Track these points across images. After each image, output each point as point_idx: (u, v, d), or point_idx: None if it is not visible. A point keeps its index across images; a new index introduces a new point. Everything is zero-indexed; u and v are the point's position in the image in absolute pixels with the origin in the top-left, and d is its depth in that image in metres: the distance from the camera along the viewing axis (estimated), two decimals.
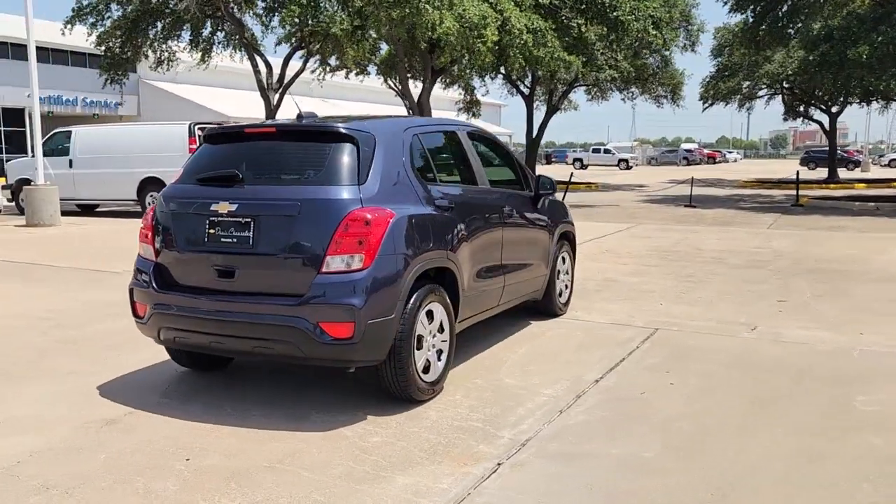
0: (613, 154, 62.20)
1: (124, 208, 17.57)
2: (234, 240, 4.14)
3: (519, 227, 5.75)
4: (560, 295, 6.64)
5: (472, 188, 5.27)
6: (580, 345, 5.70)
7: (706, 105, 32.53)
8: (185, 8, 18.40)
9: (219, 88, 46.69)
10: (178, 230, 4.35)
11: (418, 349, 4.27)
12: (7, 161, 20.09)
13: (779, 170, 49.46)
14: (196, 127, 16.32)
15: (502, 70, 24.80)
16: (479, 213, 5.09)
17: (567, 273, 6.82)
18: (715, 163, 73.98)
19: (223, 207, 4.14)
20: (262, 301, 4.03)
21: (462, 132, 5.42)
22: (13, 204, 18.20)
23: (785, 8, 22.07)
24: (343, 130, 4.30)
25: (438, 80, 28.96)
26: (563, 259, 6.70)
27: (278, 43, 21.07)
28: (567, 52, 18.12)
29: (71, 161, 17.31)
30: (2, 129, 37.24)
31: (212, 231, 4.21)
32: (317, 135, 4.40)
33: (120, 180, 16.66)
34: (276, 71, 21.11)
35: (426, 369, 4.37)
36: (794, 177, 22.37)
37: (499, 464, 3.53)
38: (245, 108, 40.98)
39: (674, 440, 3.81)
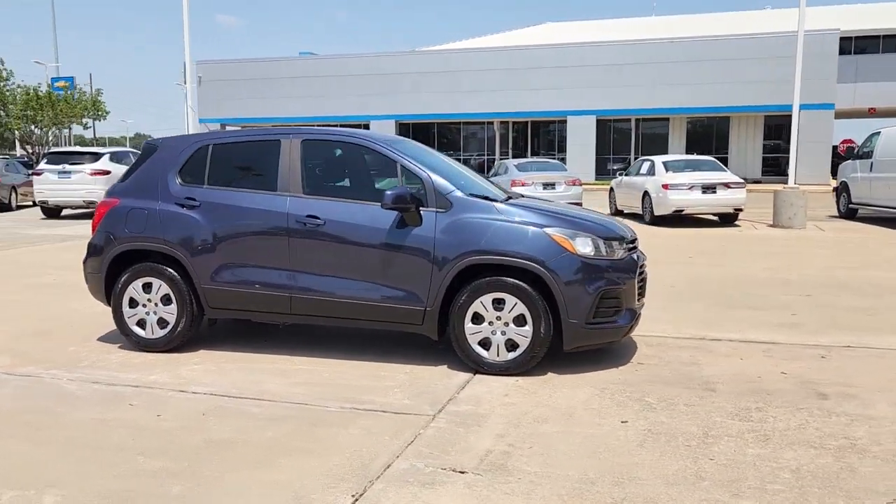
0: None
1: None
2: None
3: (337, 241, 5.22)
4: (486, 346, 5.04)
5: (243, 192, 5.46)
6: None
7: None
8: None
9: None
10: None
11: (130, 307, 5.68)
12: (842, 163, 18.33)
13: None
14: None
15: None
16: (245, 215, 5.39)
17: (515, 325, 4.98)
18: None
19: None
20: None
21: (290, 141, 5.45)
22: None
23: None
24: (147, 143, 6.01)
25: None
26: (500, 303, 4.97)
27: None
28: None
29: (872, 164, 16.22)
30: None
31: None
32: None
33: None
34: None
35: (162, 324, 5.61)
36: None
37: None
38: None
39: None
